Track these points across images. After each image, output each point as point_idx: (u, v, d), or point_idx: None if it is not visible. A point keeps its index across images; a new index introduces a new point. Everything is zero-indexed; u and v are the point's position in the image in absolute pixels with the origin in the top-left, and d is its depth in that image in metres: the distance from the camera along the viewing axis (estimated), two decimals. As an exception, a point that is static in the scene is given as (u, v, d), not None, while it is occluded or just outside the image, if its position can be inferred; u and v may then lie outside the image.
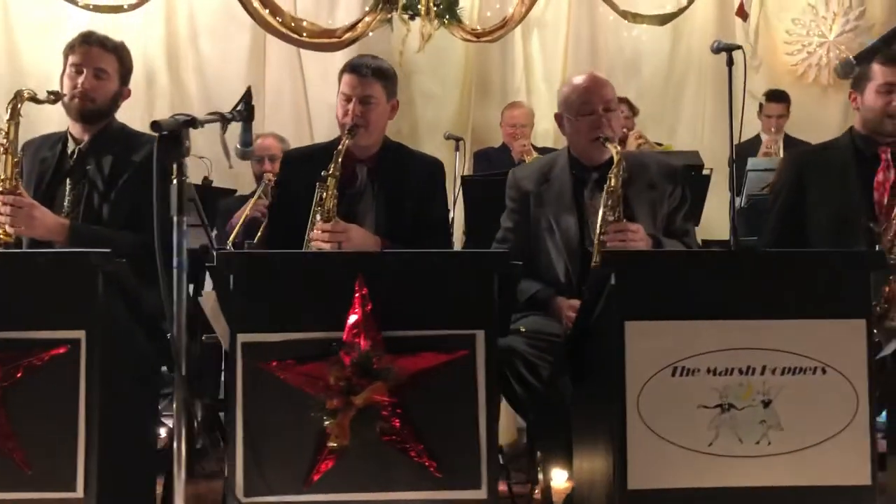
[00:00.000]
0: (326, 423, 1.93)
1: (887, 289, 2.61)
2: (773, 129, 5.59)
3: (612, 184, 2.85)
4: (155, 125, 1.92)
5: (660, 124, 6.96)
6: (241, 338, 2.02)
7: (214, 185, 5.35)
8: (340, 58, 6.55)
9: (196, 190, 5.02)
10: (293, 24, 5.65)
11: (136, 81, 6.46)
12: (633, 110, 5.97)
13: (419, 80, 6.65)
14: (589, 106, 2.97)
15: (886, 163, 2.94)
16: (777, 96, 5.74)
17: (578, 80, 3.08)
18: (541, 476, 2.87)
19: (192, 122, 1.96)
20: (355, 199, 3.01)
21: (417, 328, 2.05)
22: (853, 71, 2.41)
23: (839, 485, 2.06)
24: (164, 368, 2.46)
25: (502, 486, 2.90)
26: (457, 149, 5.32)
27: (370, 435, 1.99)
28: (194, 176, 5.51)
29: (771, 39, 6.86)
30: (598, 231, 2.81)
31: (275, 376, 2.02)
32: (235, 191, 5.07)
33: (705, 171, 4.89)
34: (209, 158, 5.44)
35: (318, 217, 2.82)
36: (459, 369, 2.04)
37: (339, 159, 2.84)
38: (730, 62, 3.69)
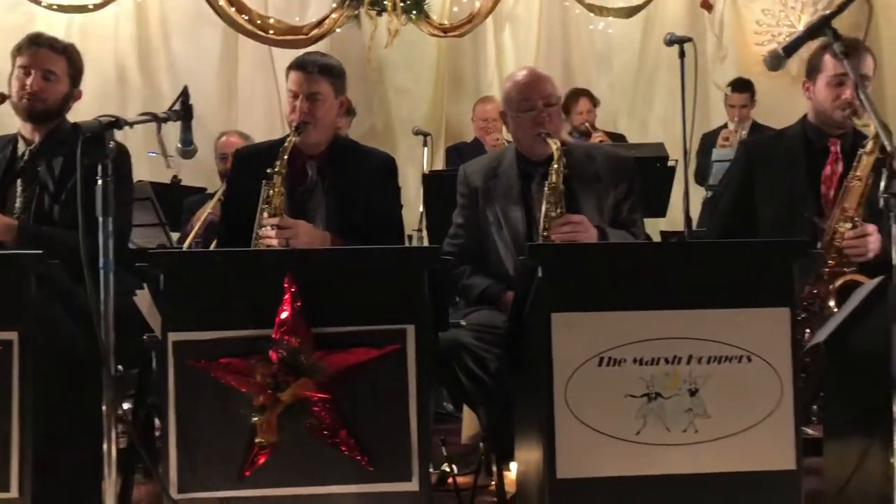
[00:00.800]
0: (254, 419, 1.96)
1: (822, 288, 2.65)
2: (736, 119, 5.63)
3: (553, 180, 2.88)
4: (76, 127, 1.93)
5: (632, 116, 7.01)
6: (172, 336, 2.05)
7: (184, 183, 5.39)
8: (313, 55, 6.59)
9: (165, 189, 5.06)
10: (259, 22, 5.66)
11: (108, 80, 6.51)
12: (595, 102, 6.00)
13: (393, 76, 6.68)
14: (529, 102, 3.00)
15: (835, 155, 2.93)
16: (740, 86, 5.77)
17: (519, 76, 3.10)
18: (494, 468, 2.90)
19: (116, 123, 1.98)
20: (306, 196, 3.02)
21: (348, 324, 2.07)
22: (782, 63, 2.42)
23: (765, 470, 2.09)
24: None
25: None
26: (425, 144, 5.36)
27: (301, 430, 2.02)
28: (165, 174, 5.57)
29: (741, 30, 6.90)
30: (541, 227, 2.85)
31: (206, 374, 2.04)
32: (205, 189, 5.09)
33: (670, 163, 4.94)
34: (177, 157, 5.49)
35: (266, 214, 2.84)
36: (390, 364, 2.07)
37: (286, 156, 2.86)
38: (681, 54, 3.73)
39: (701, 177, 5.55)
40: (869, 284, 2.27)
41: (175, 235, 4.16)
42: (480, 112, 5.84)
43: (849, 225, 2.71)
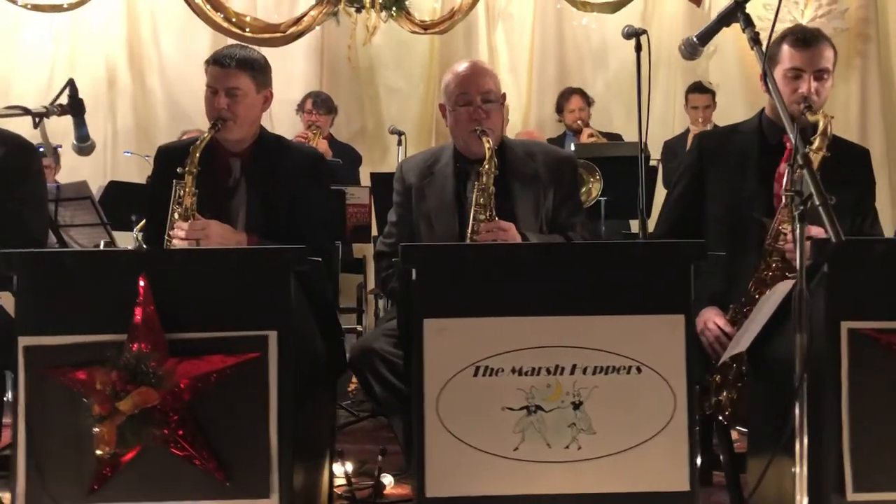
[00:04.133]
0: (95, 430, 1.84)
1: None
2: (700, 121, 5.48)
3: (483, 181, 2.73)
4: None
5: (629, 115, 6.79)
6: (23, 341, 1.95)
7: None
8: (301, 55, 6.52)
9: (140, 189, 5.00)
10: (235, 20, 5.57)
11: (98, 82, 6.47)
12: (588, 101, 5.88)
13: (384, 75, 6.58)
14: (466, 96, 2.86)
15: (790, 152, 2.75)
16: (700, 87, 5.69)
17: (460, 68, 2.96)
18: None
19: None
20: (229, 194, 2.92)
21: (207, 330, 1.95)
22: (697, 52, 2.26)
23: (655, 491, 1.92)
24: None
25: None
26: (399, 143, 5.26)
27: (150, 442, 1.90)
28: (141, 175, 5.50)
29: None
30: (470, 230, 2.71)
31: (57, 381, 1.93)
32: (178, 190, 5.02)
33: (652, 163, 4.77)
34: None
35: (177, 215, 2.74)
36: (249, 372, 1.94)
37: (197, 154, 2.75)
38: (638, 48, 3.56)
39: (668, 182, 5.41)
40: (783, 289, 2.08)
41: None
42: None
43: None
